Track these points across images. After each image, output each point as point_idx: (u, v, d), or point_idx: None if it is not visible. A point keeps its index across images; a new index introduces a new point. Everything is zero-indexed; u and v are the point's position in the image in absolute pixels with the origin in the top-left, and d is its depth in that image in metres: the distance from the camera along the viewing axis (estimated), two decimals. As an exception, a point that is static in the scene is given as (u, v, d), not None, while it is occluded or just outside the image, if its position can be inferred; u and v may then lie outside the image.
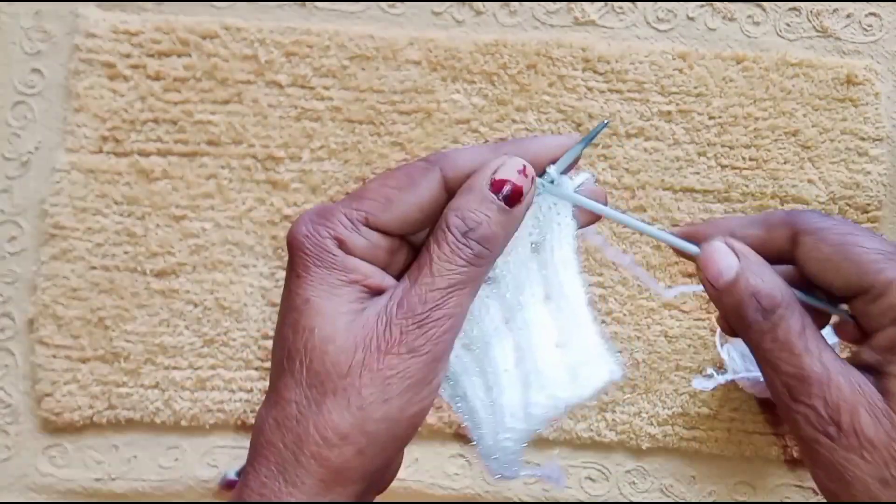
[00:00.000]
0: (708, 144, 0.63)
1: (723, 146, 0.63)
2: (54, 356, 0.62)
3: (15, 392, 0.63)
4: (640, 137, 0.63)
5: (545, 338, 0.32)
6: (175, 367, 0.62)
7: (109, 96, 0.63)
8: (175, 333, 0.62)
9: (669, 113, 0.63)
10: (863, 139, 0.63)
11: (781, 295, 0.30)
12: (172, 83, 0.63)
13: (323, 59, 0.63)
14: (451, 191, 0.31)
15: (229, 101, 0.63)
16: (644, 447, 0.62)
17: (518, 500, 0.62)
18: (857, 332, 0.32)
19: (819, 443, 0.29)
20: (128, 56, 0.63)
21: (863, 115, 0.63)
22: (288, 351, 0.29)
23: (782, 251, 0.32)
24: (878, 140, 0.63)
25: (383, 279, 0.31)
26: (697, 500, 0.62)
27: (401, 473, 0.61)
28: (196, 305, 0.62)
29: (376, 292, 0.30)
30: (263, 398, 0.31)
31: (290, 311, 0.29)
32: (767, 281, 0.31)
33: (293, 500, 0.28)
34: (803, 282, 0.32)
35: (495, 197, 0.30)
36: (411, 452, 0.62)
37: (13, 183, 0.64)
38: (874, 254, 0.30)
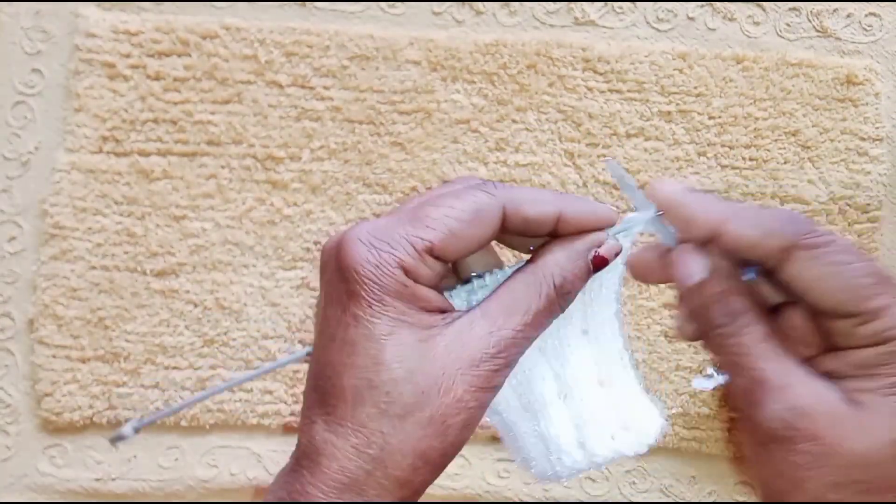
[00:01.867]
0: (708, 144, 0.63)
1: (723, 146, 0.63)
2: (54, 356, 0.62)
3: (15, 392, 0.63)
4: (640, 137, 0.63)
5: (586, 372, 0.34)
6: (175, 367, 0.62)
7: (109, 96, 0.63)
8: (175, 333, 0.62)
9: (669, 113, 0.63)
10: (863, 139, 0.63)
11: (744, 300, 0.31)
12: (172, 83, 0.63)
13: (323, 59, 0.63)
14: (505, 227, 0.32)
15: (229, 101, 0.63)
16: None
17: (518, 500, 0.62)
18: (818, 340, 0.32)
19: (774, 445, 0.30)
20: (128, 56, 0.63)
21: (863, 115, 0.63)
22: (370, 382, 0.30)
23: (770, 258, 0.32)
24: (878, 140, 0.63)
25: (443, 302, 0.32)
26: (697, 500, 0.62)
27: (401, 473, 0.62)
28: (196, 305, 0.62)
29: (441, 312, 0.31)
30: (316, 420, 0.31)
31: (367, 341, 0.30)
32: (735, 286, 0.32)
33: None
34: (786, 294, 0.33)
35: (591, 269, 0.32)
36: (411, 452, 0.62)
37: (13, 183, 0.64)
38: (866, 279, 0.30)
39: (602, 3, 0.65)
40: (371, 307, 0.30)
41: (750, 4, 0.65)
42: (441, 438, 0.30)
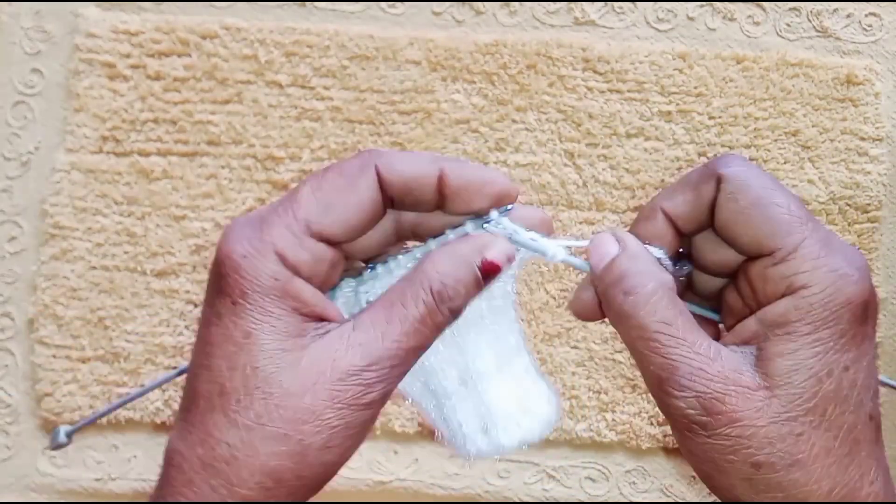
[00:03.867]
0: (708, 144, 0.63)
1: (723, 146, 0.63)
2: (54, 356, 0.62)
3: (15, 392, 0.63)
4: (640, 137, 0.63)
5: (484, 360, 0.33)
6: (175, 367, 0.62)
7: (109, 96, 0.63)
8: (175, 333, 0.62)
9: (669, 113, 0.63)
10: (863, 139, 0.63)
11: (653, 280, 0.30)
12: (172, 83, 0.63)
13: (323, 59, 0.63)
14: (387, 193, 0.30)
15: (229, 101, 0.63)
16: (644, 447, 0.62)
17: (518, 500, 0.62)
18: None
19: (693, 431, 0.28)
20: (128, 56, 0.63)
21: (863, 115, 0.63)
22: (222, 387, 0.27)
23: (713, 205, 0.31)
24: (878, 140, 0.63)
25: (325, 307, 0.29)
26: (697, 500, 0.62)
27: (401, 473, 0.62)
28: (196, 305, 0.62)
29: (317, 320, 0.29)
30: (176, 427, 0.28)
31: (226, 343, 0.27)
32: (640, 267, 0.30)
33: None
34: (711, 234, 0.32)
35: (479, 275, 0.29)
36: (411, 452, 0.62)
37: (13, 183, 0.64)
38: (790, 216, 0.29)
39: (602, 3, 0.65)
40: (236, 304, 0.27)
41: (750, 4, 0.65)
42: (296, 458, 0.27)
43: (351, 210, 0.29)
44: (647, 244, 0.32)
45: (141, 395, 0.34)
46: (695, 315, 0.31)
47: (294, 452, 0.27)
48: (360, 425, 0.28)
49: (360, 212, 0.29)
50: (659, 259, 0.31)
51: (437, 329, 0.29)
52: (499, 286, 0.32)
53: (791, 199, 0.29)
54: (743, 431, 0.28)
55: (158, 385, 0.34)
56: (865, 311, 0.28)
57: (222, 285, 0.28)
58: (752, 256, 0.30)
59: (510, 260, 0.30)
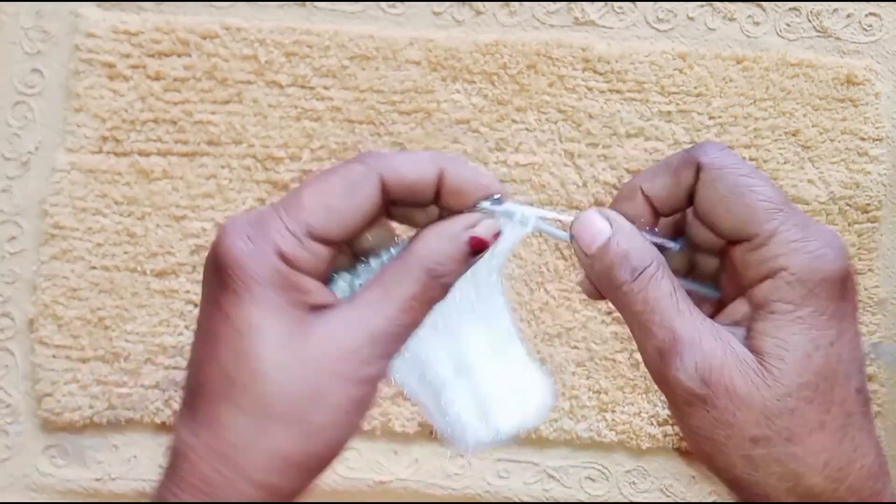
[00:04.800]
0: (708, 144, 0.63)
1: (723, 146, 0.63)
2: (54, 356, 0.62)
3: (15, 392, 0.63)
4: (640, 137, 0.63)
5: (478, 348, 0.33)
6: (175, 367, 0.62)
7: (109, 96, 0.63)
8: (175, 333, 0.62)
9: (669, 113, 0.63)
10: (863, 139, 0.63)
11: (652, 257, 0.31)
12: (172, 83, 0.63)
13: (323, 59, 0.63)
14: (388, 195, 0.31)
15: (229, 101, 0.63)
16: (644, 447, 0.62)
17: (518, 500, 0.62)
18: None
19: (692, 405, 0.29)
20: (128, 56, 0.63)
21: (863, 115, 0.63)
22: (229, 377, 0.28)
23: (691, 189, 0.32)
24: (878, 140, 0.63)
25: (325, 295, 0.30)
26: (697, 500, 0.62)
27: (401, 473, 0.62)
28: (196, 305, 0.62)
29: (318, 308, 0.30)
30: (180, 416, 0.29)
31: (230, 333, 0.28)
32: (637, 244, 0.31)
33: None
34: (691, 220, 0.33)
35: (467, 251, 0.31)
36: (411, 452, 0.62)
37: (13, 183, 0.64)
38: (767, 202, 0.30)
39: (602, 3, 0.65)
40: (238, 296, 0.28)
41: (750, 4, 0.65)
42: (305, 439, 0.28)
43: (353, 214, 0.30)
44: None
45: None
46: (693, 295, 0.32)
47: (302, 433, 0.28)
48: (362, 401, 0.29)
49: (362, 215, 0.30)
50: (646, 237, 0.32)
51: (430, 305, 0.31)
52: (486, 274, 0.33)
53: (768, 185, 0.30)
54: (741, 405, 0.28)
55: None
56: (844, 286, 0.30)
57: (223, 278, 0.29)
58: (733, 242, 0.31)
59: (496, 236, 0.32)
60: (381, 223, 0.32)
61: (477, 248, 0.31)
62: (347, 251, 0.33)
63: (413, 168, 0.30)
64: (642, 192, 0.32)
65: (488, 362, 0.33)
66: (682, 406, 0.30)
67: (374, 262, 0.32)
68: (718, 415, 0.29)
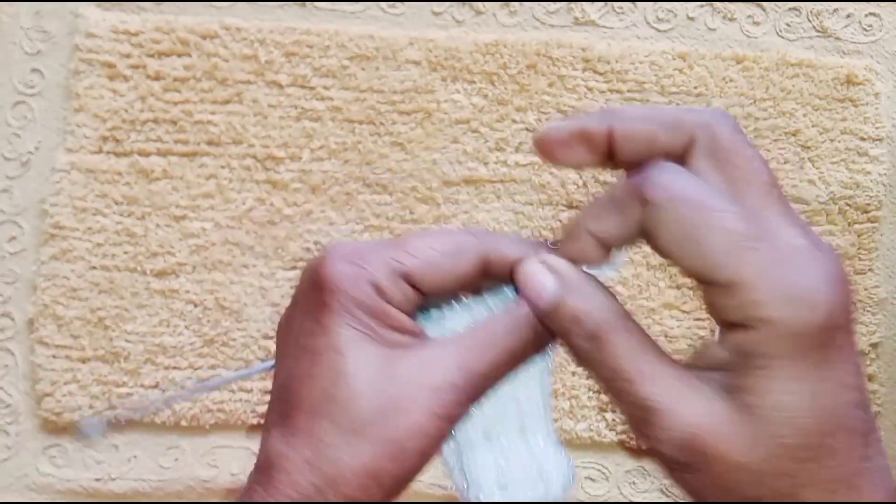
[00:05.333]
0: (708, 144, 0.63)
1: (723, 146, 0.63)
2: (54, 356, 0.62)
3: (15, 392, 0.63)
4: (640, 137, 0.64)
5: (510, 418, 0.34)
6: (175, 367, 0.62)
7: (109, 96, 0.63)
8: (175, 333, 0.62)
9: (669, 113, 0.64)
10: (863, 139, 0.63)
11: (607, 313, 0.28)
12: (172, 83, 0.63)
13: (323, 59, 0.63)
14: (485, 272, 0.31)
15: (229, 101, 0.63)
16: (644, 447, 0.62)
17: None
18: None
19: (681, 471, 0.28)
20: (128, 56, 0.63)
21: (863, 115, 0.63)
22: (328, 394, 0.29)
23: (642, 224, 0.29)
24: (878, 140, 0.63)
25: (415, 326, 0.31)
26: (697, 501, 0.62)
27: (401, 473, 0.62)
28: (196, 305, 0.62)
29: (405, 335, 0.31)
30: (271, 431, 0.30)
31: (329, 352, 0.29)
32: (589, 304, 0.29)
33: None
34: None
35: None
36: (411, 452, 0.62)
37: (13, 183, 0.64)
38: (732, 239, 0.26)
39: (602, 3, 0.65)
40: (339, 317, 0.29)
41: (750, 4, 0.65)
42: (396, 462, 0.29)
43: (450, 278, 0.31)
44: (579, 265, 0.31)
45: (222, 384, 0.36)
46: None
47: (395, 456, 0.29)
48: (445, 436, 0.30)
49: (456, 278, 0.31)
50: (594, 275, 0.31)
51: (526, 361, 0.32)
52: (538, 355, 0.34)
53: (729, 212, 0.26)
54: (731, 469, 0.26)
55: (253, 373, 0.36)
56: (834, 331, 0.26)
57: (323, 297, 0.30)
58: (702, 282, 0.27)
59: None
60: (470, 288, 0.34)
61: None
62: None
63: (511, 252, 0.31)
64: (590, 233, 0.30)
65: (518, 436, 0.34)
66: (671, 471, 0.28)
67: (459, 307, 0.33)
68: (711, 480, 0.27)
